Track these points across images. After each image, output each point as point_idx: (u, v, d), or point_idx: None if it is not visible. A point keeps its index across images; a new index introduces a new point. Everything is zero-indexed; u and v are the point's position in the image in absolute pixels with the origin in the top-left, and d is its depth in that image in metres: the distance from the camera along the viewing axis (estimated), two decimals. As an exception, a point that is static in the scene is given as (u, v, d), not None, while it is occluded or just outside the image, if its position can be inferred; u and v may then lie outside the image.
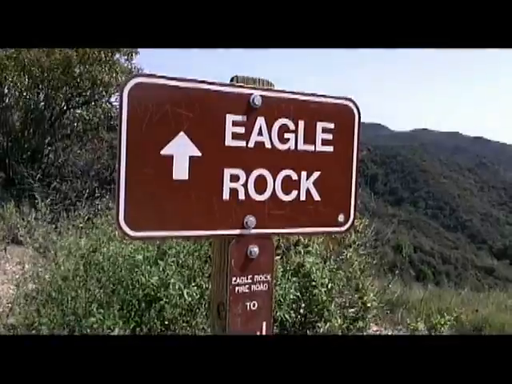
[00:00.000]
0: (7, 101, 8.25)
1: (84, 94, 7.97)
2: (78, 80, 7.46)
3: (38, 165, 7.93)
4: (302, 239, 3.55)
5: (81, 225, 4.77)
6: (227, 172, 1.31)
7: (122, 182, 1.19)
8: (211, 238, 1.44)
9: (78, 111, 8.39)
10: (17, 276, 4.50)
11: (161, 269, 3.03)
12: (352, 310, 3.46)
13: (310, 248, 3.51)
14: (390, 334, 4.55)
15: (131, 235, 1.21)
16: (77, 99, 8.11)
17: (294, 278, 3.25)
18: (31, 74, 7.40)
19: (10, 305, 3.17)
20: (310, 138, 1.43)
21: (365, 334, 3.56)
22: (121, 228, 1.19)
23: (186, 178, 1.26)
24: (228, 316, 1.36)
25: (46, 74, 7.38)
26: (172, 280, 2.98)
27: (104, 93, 8.32)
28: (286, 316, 3.03)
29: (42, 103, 8.17)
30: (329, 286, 3.32)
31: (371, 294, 3.49)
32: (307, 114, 1.44)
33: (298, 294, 3.19)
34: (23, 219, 5.77)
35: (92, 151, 8.45)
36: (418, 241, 57.20)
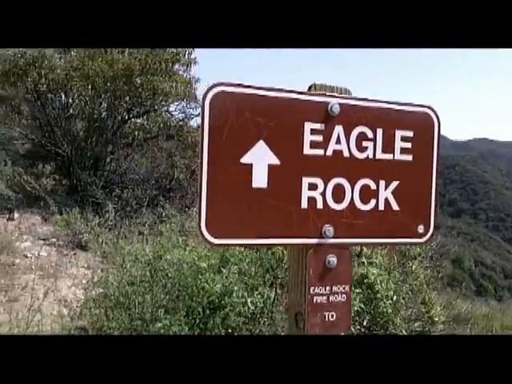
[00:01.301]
0: (72, 111, 8.57)
1: (144, 103, 8.18)
2: (140, 90, 7.66)
3: (101, 172, 8.18)
4: (366, 250, 3.51)
5: (145, 231, 4.88)
6: (305, 180, 1.31)
7: (204, 190, 1.21)
8: (289, 247, 1.44)
9: (139, 120, 8.62)
10: (83, 280, 4.65)
11: (224, 276, 3.05)
12: (417, 323, 3.38)
13: (373, 259, 3.46)
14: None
15: (213, 242, 1.23)
16: (137, 109, 8.33)
17: (358, 290, 3.20)
18: (95, 85, 7.66)
19: (79, 308, 3.27)
20: (388, 146, 1.41)
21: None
22: (203, 235, 1.20)
23: (265, 186, 1.27)
24: (306, 326, 1.36)
25: (109, 84, 7.62)
26: (235, 288, 2.99)
27: (163, 102, 8.53)
28: (351, 328, 2.99)
29: (105, 113, 8.43)
30: (394, 299, 3.26)
31: (438, 308, 3.40)
32: (386, 122, 1.42)
33: (362, 305, 3.14)
34: (87, 225, 5.96)
35: (151, 159, 8.68)
36: (478, 254, 55.19)
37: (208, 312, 2.91)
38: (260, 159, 1.27)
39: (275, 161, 1.28)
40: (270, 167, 1.27)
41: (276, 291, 3.24)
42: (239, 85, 1.27)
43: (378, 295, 3.17)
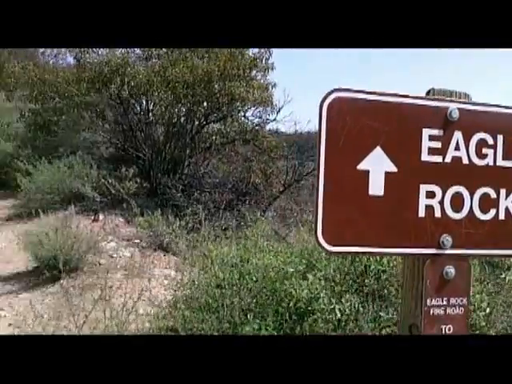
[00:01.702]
0: (152, 116, 8.85)
1: (222, 108, 8.31)
2: (218, 95, 7.79)
3: (179, 176, 8.38)
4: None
5: (229, 234, 4.94)
6: (423, 188, 1.27)
7: (320, 197, 1.20)
8: (405, 257, 1.40)
9: (216, 125, 8.76)
10: (165, 281, 4.77)
11: (310, 282, 3.03)
12: (514, 338, 3.21)
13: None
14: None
15: (329, 250, 1.21)
16: (215, 114, 8.48)
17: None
18: (175, 90, 7.86)
19: (167, 309, 3.35)
20: (509, 153, 1.34)
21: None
22: (319, 242, 1.19)
23: (382, 193, 1.24)
24: (421, 338, 1.31)
25: (188, 90, 7.79)
26: (321, 294, 2.96)
27: (240, 108, 8.64)
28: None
29: (183, 118, 8.64)
30: (487, 311, 3.11)
31: (536, 323, 3.21)
32: (506, 128, 1.35)
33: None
34: (168, 227, 6.11)
35: (228, 164, 8.81)
36: None
37: (295, 317, 2.90)
38: (377, 166, 1.24)
39: (392, 168, 1.25)
40: (387, 174, 1.24)
41: (363, 299, 3.18)
42: (356, 90, 1.25)
43: (472, 307, 3.04)
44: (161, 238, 6.02)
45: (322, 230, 1.20)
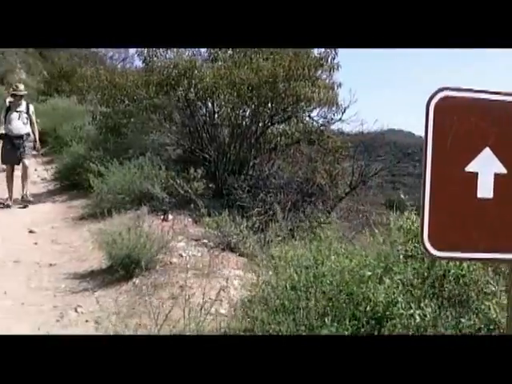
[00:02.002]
0: (217, 117, 8.95)
1: (287, 109, 8.29)
2: (283, 96, 7.78)
3: (244, 177, 8.42)
4: None
5: (293, 235, 4.93)
6: (536, 191, 1.20)
7: (427, 200, 1.15)
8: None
9: (281, 126, 8.76)
10: (235, 281, 4.80)
11: (387, 286, 2.96)
12: None
13: None
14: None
15: (435, 254, 1.17)
16: (280, 115, 8.47)
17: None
18: (240, 92, 7.91)
19: (241, 309, 3.36)
20: None
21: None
22: (425, 247, 1.15)
23: (491, 196, 1.18)
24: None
25: (253, 92, 7.83)
26: (399, 299, 2.89)
27: (305, 108, 8.59)
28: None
29: (248, 119, 8.68)
30: None
31: None
32: None
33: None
34: (236, 227, 6.15)
35: (293, 164, 8.79)
36: None
37: (373, 322, 2.83)
38: (486, 167, 1.18)
39: (502, 169, 1.19)
40: (497, 176, 1.18)
41: (442, 304, 3.07)
42: (464, 89, 1.19)
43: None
44: (228, 238, 6.06)
45: (428, 234, 1.16)
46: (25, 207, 8.73)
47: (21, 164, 8.94)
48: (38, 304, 4.75)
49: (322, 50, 7.91)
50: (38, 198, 9.22)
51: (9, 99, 9.11)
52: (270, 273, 3.39)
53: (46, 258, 6.10)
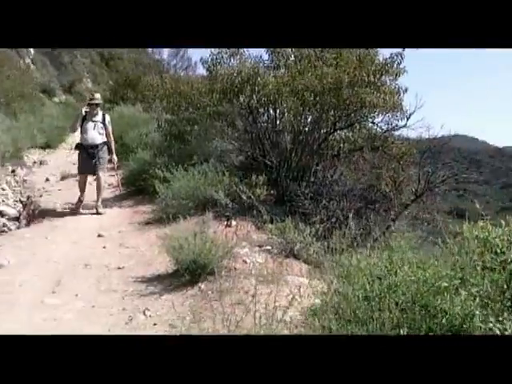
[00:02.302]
0: (279, 124, 8.97)
1: (350, 115, 8.20)
2: (347, 102, 7.70)
3: (306, 183, 8.39)
4: None
5: (358, 243, 4.86)
6: None
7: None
8: None
9: (344, 132, 8.67)
10: (301, 289, 4.76)
11: (463, 298, 2.85)
12: None
13: None
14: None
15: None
16: (343, 121, 8.39)
17: None
18: (303, 99, 7.90)
19: (310, 318, 3.34)
20: None
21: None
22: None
23: None
24: None
25: (317, 98, 7.79)
26: (477, 312, 2.78)
27: (368, 114, 8.47)
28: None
29: (311, 125, 8.65)
30: None
31: None
32: None
33: None
34: (298, 234, 6.12)
35: (356, 171, 8.68)
36: None
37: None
38: None
39: None
40: None
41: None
42: None
43: None
44: (292, 244, 6.05)
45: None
46: (98, 214, 8.91)
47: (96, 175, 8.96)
48: (108, 306, 4.90)
49: (388, 55, 7.78)
50: (105, 203, 9.51)
51: (84, 108, 8.97)
52: (336, 280, 3.34)
53: (114, 262, 6.29)
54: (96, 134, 8.72)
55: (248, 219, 7.34)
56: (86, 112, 8.82)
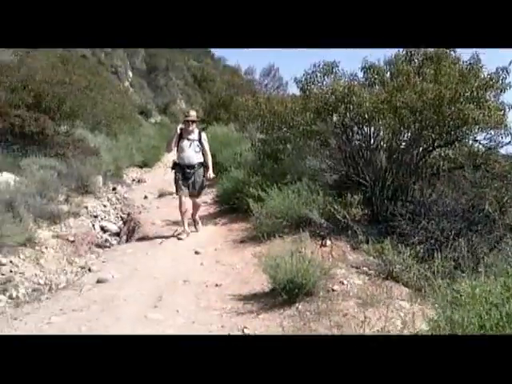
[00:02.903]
0: (374, 142, 8.81)
1: (451, 132, 7.89)
2: (448, 119, 7.42)
3: (403, 203, 8.15)
4: None
5: (462, 267, 4.62)
6: None
7: None
8: None
9: (443, 150, 8.36)
10: (401, 313, 4.60)
11: None
12: None
13: None
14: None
15: None
16: (443, 139, 8.09)
17: None
18: (401, 116, 7.71)
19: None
20: None
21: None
22: None
23: None
24: None
25: (416, 115, 7.58)
26: None
27: (470, 131, 8.10)
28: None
29: (408, 143, 8.42)
30: None
31: None
32: None
33: None
34: (397, 256, 5.95)
35: (456, 190, 8.31)
36: None
37: None
38: None
39: None
40: None
41: None
42: None
43: None
44: (390, 266, 5.88)
45: None
46: (194, 232, 8.95)
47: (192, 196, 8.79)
48: (207, 323, 5.00)
49: (493, 70, 7.42)
50: (201, 221, 9.78)
51: (180, 126, 8.69)
52: (450, 308, 3.19)
53: (211, 279, 6.43)
54: (192, 153, 8.51)
55: (343, 239, 7.25)
56: (181, 130, 8.58)
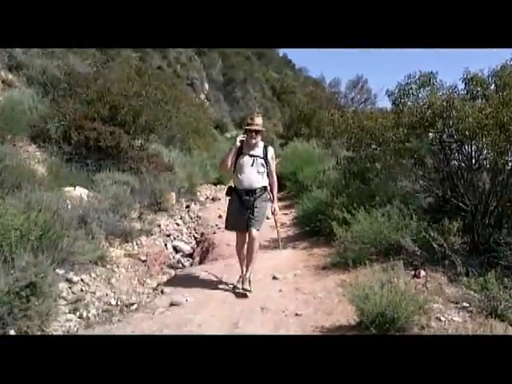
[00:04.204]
0: (476, 162, 8.52)
1: None
2: None
3: (508, 231, 7.81)
4: None
5: None
6: None
7: None
8: None
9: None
10: None
11: None
12: None
13: None
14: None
15: None
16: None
17: None
18: (509, 133, 7.43)
19: None
20: None
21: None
22: None
23: None
24: None
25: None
26: None
27: None
28: None
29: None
30: None
31: None
32: None
33: None
34: (503, 291, 5.71)
35: None
36: None
37: None
38: None
39: None
40: None
41: None
42: None
43: None
44: (494, 303, 5.63)
45: None
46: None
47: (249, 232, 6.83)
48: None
49: None
50: (281, 243, 9.81)
51: (240, 137, 6.78)
52: None
53: (291, 307, 6.41)
54: (254, 174, 6.68)
55: (439, 270, 7.03)
56: (240, 142, 6.74)
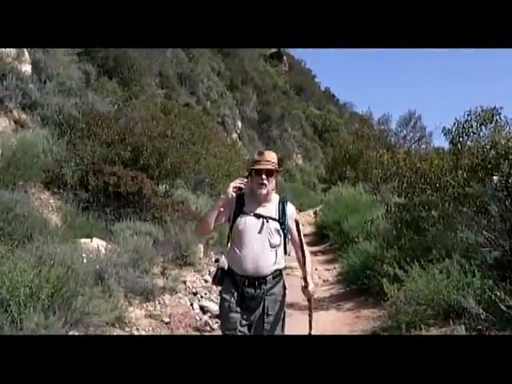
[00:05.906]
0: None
1: None
2: None
3: None
4: None
5: None
6: None
7: None
8: None
9: None
10: None
11: None
12: None
13: None
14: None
15: None
16: None
17: None
18: None
19: None
20: None
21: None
22: None
23: None
24: None
25: None
26: None
27: None
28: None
29: None
30: None
31: None
32: None
33: None
34: None
35: None
36: None
37: None
38: None
39: None
40: None
41: None
42: None
43: None
44: None
45: None
46: None
47: None
48: None
49: None
50: (320, 304, 9.72)
51: (237, 182, 4.32)
52: None
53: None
54: (264, 249, 4.24)
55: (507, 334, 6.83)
56: (239, 191, 4.34)
